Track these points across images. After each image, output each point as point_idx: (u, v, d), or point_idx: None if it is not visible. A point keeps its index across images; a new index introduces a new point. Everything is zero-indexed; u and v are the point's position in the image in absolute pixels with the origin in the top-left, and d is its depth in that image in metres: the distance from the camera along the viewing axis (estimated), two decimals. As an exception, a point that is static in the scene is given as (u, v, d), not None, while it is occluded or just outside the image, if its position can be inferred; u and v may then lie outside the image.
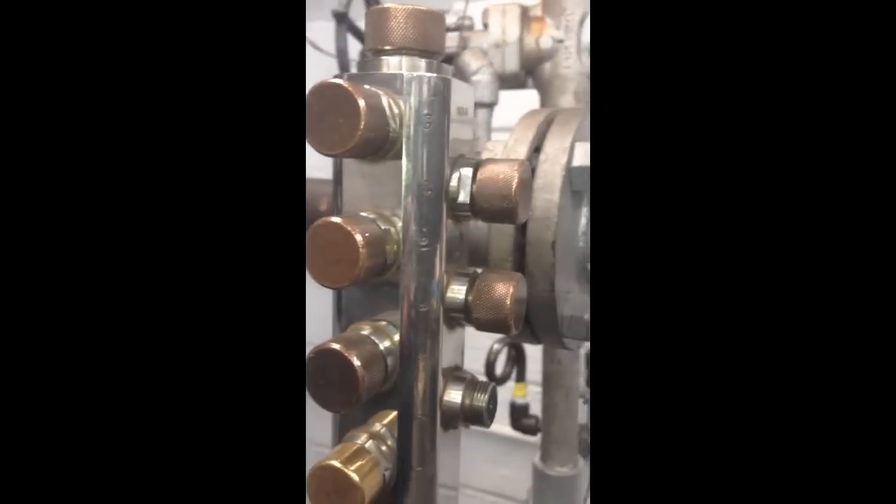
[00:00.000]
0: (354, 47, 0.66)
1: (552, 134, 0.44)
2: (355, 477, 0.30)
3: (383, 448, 0.32)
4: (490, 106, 0.56)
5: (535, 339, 0.47)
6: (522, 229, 0.42)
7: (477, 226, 0.41)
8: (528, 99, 0.62)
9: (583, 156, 0.42)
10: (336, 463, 0.30)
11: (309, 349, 0.29)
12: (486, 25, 0.62)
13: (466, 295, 0.33)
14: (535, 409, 0.77)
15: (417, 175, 0.31)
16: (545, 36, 0.60)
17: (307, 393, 0.30)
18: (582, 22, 0.60)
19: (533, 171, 0.43)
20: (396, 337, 0.32)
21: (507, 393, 0.88)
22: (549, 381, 0.64)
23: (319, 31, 0.73)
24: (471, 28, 0.63)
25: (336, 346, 0.29)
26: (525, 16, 0.60)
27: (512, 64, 0.60)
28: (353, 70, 0.35)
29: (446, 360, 0.34)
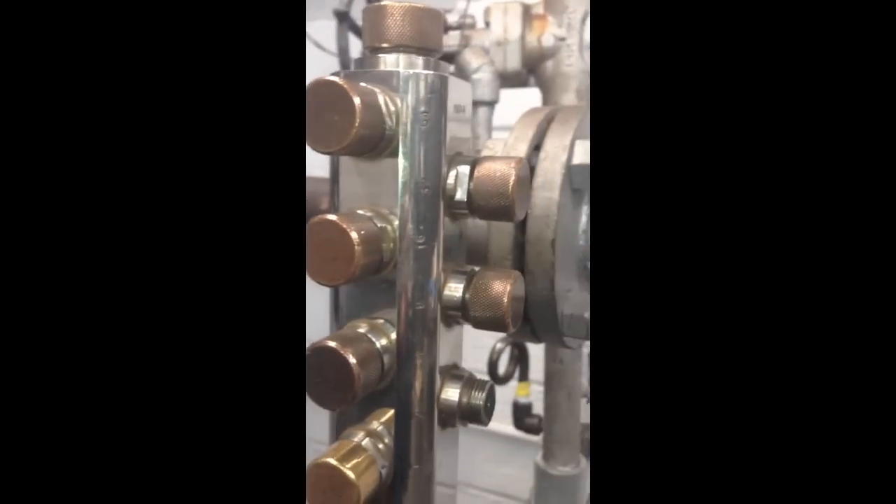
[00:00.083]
0: (357, 46, 0.66)
1: (552, 132, 0.44)
2: (351, 475, 0.30)
3: (380, 446, 0.32)
4: (491, 104, 0.56)
5: (535, 338, 0.47)
6: (522, 227, 0.42)
7: (477, 224, 0.41)
8: (530, 97, 0.62)
9: (583, 154, 0.42)
10: (332, 461, 0.30)
11: (306, 347, 0.30)
12: (487, 23, 0.61)
13: (464, 293, 0.33)
14: (538, 408, 0.77)
15: (414, 173, 0.31)
16: (547, 34, 0.60)
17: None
18: (584, 19, 0.60)
19: (533, 169, 0.43)
20: (393, 335, 0.32)
21: (509, 392, 0.87)
22: (551, 381, 0.64)
23: (322, 30, 0.73)
24: (473, 26, 0.63)
25: (332, 343, 0.29)
26: (527, 14, 0.60)
27: (514, 62, 0.60)
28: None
29: (444, 358, 0.34)
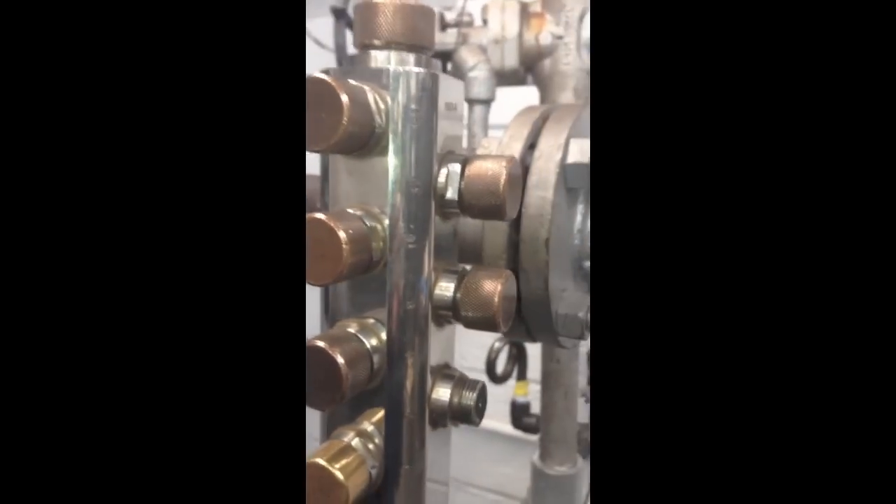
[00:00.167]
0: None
1: (547, 130, 0.44)
2: (340, 475, 0.29)
3: (370, 446, 0.32)
4: (487, 102, 0.56)
5: (530, 338, 0.46)
6: (516, 226, 0.42)
7: (471, 222, 0.41)
8: (528, 96, 0.62)
9: (578, 152, 0.42)
10: (321, 461, 0.29)
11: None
12: (485, 21, 0.61)
13: (455, 292, 0.32)
14: (536, 407, 0.76)
15: (405, 171, 0.31)
16: (545, 32, 0.59)
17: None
18: (581, 18, 0.59)
19: (527, 168, 0.43)
20: (384, 335, 0.32)
21: (508, 391, 0.87)
22: (548, 380, 0.63)
23: (323, 27, 0.73)
24: (470, 24, 0.63)
25: (321, 343, 0.29)
26: (524, 12, 0.60)
27: (511, 60, 0.60)
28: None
29: (435, 357, 0.33)
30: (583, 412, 0.67)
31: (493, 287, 0.32)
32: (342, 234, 0.28)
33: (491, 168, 0.31)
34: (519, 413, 0.86)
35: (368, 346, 0.31)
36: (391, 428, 0.32)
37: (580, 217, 0.45)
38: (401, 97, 0.30)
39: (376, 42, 0.32)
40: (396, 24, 0.32)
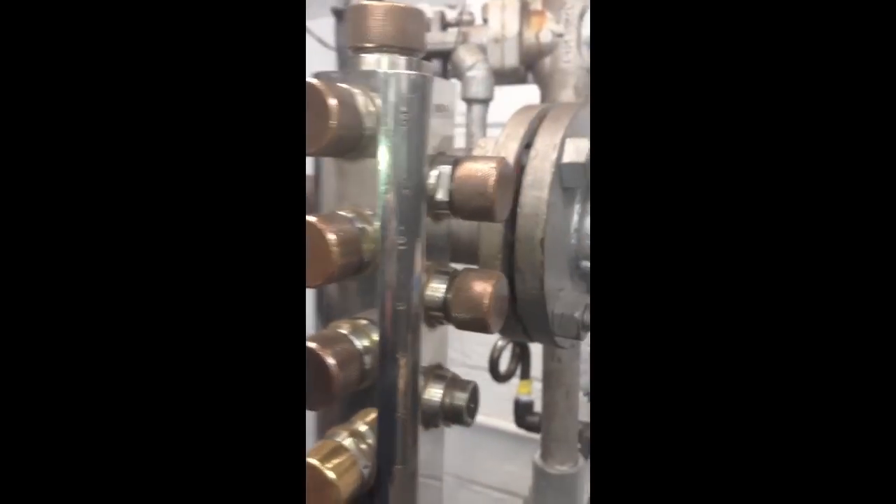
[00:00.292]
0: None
1: (543, 130, 0.43)
2: (332, 475, 0.30)
3: (363, 446, 0.32)
4: (485, 102, 0.56)
5: (527, 337, 0.46)
6: (512, 226, 0.42)
7: (467, 223, 0.41)
8: (528, 94, 0.62)
9: (573, 152, 0.41)
10: (313, 460, 0.30)
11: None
12: (485, 20, 0.61)
13: (446, 293, 0.32)
14: (540, 406, 0.76)
15: (396, 173, 0.31)
16: (545, 30, 0.59)
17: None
18: (582, 16, 0.59)
19: (523, 167, 0.43)
20: (376, 335, 0.32)
21: (512, 390, 0.87)
22: (550, 379, 0.63)
23: (326, 27, 0.73)
24: (471, 23, 0.63)
25: (312, 344, 0.29)
26: (525, 10, 0.60)
27: (511, 59, 0.60)
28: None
29: (427, 358, 0.34)
30: (585, 411, 0.67)
31: (483, 288, 0.32)
32: (331, 237, 0.28)
33: (481, 169, 0.31)
34: (522, 412, 0.86)
35: (360, 346, 0.31)
36: (383, 428, 0.32)
37: (577, 216, 0.45)
38: (391, 99, 0.31)
39: (368, 45, 0.32)
40: (387, 27, 0.32)
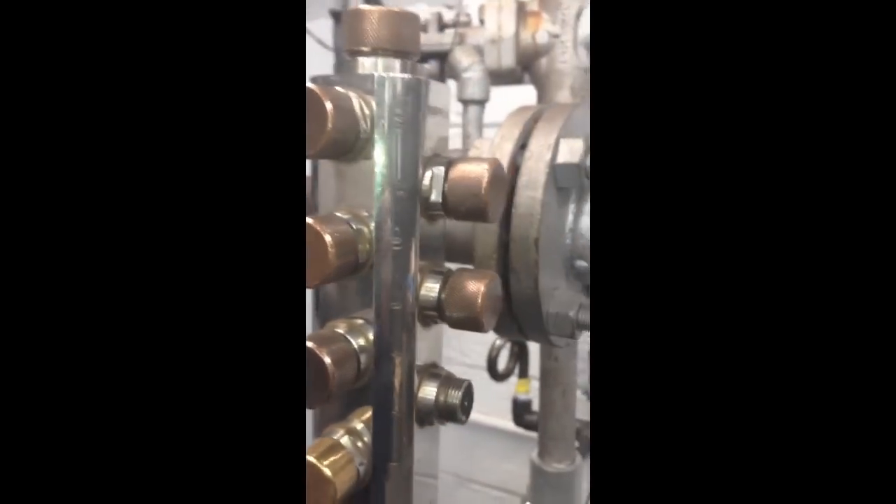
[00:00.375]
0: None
1: (538, 131, 0.44)
2: (328, 472, 0.30)
3: (359, 444, 0.33)
4: (481, 103, 0.56)
5: (522, 336, 0.47)
6: (507, 226, 0.42)
7: (462, 223, 0.42)
8: (525, 94, 0.62)
9: (567, 152, 0.42)
10: (310, 458, 0.30)
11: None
12: (482, 21, 0.61)
13: (440, 293, 0.33)
14: (538, 405, 0.77)
15: (391, 175, 0.31)
16: (541, 31, 0.60)
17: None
18: (578, 16, 0.59)
19: (518, 168, 0.43)
20: (371, 334, 0.33)
21: (510, 389, 0.88)
22: (547, 378, 0.64)
23: (325, 28, 0.74)
24: (468, 24, 0.63)
25: (309, 343, 0.30)
26: (521, 11, 0.60)
27: (508, 59, 0.60)
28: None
29: (422, 357, 0.34)
30: (581, 409, 0.67)
31: (476, 287, 0.32)
32: (328, 238, 0.28)
33: (473, 171, 0.31)
34: (520, 410, 0.86)
35: (356, 345, 0.32)
36: (379, 425, 0.33)
37: (571, 216, 0.45)
38: (386, 102, 0.31)
39: (363, 48, 0.33)
40: (382, 31, 0.32)
